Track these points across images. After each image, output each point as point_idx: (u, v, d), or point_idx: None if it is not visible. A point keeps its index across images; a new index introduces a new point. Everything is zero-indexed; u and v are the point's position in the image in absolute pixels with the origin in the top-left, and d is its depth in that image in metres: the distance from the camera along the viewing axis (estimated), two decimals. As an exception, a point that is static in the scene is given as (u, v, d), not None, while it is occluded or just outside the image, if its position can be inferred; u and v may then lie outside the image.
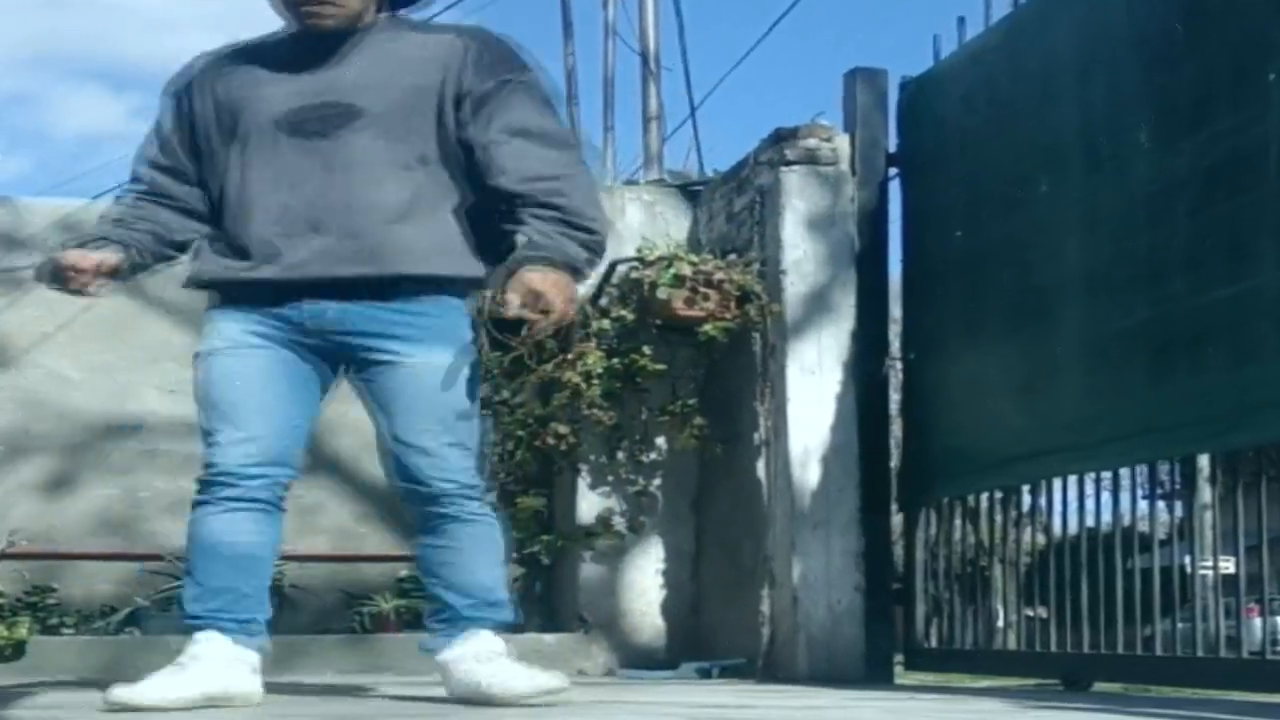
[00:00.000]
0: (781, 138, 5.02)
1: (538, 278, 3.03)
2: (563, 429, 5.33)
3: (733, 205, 5.31)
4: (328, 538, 6.09)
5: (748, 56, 18.47)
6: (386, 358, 3.21)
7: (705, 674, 5.00)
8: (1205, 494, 4.15)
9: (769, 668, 4.89)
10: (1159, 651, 4.01)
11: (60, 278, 3.19)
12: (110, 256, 3.22)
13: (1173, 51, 3.92)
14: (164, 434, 6.01)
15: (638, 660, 5.29)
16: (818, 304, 4.92)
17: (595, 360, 5.27)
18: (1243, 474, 3.81)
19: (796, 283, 4.92)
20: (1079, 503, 4.33)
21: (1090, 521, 4.36)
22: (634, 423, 5.38)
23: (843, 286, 4.94)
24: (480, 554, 3.29)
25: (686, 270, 5.08)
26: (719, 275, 5.04)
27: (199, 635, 3.14)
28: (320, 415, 3.36)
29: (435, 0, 3.43)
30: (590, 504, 5.41)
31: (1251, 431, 3.67)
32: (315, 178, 3.16)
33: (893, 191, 5.03)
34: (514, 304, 3.01)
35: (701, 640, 5.34)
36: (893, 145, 5.04)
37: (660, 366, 5.28)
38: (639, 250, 5.27)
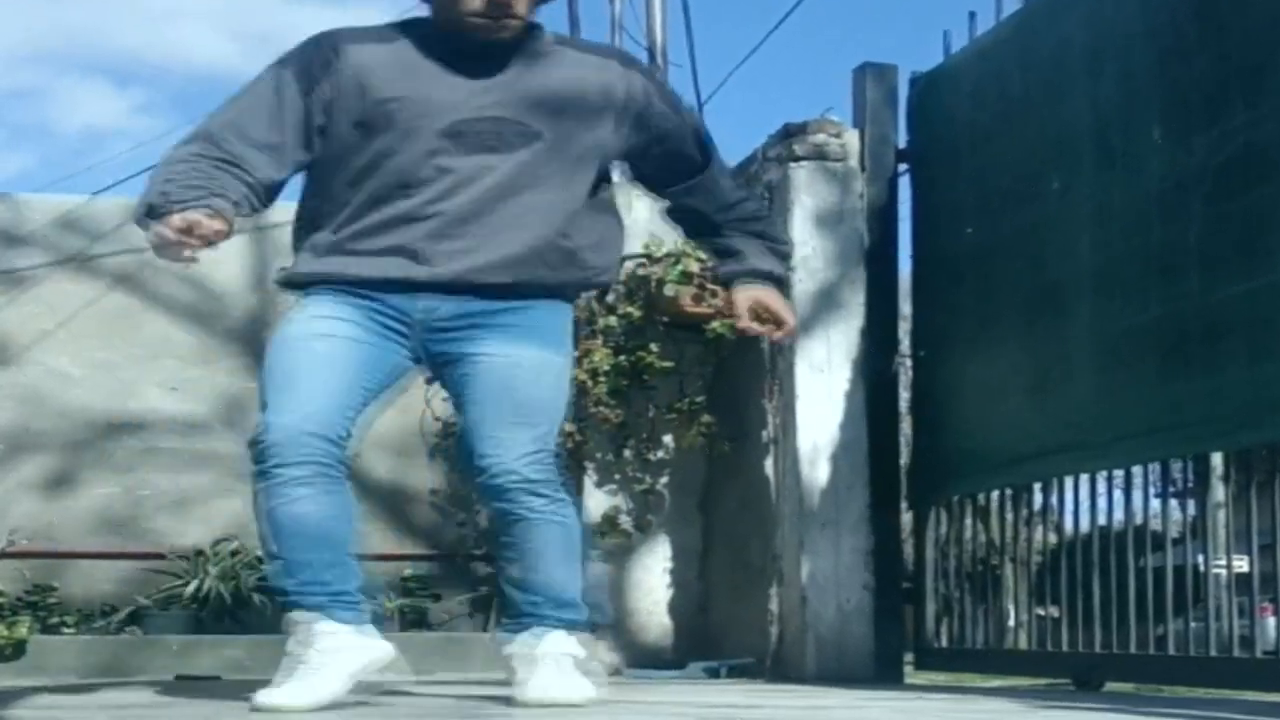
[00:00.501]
0: (790, 133, 5.03)
1: (765, 294, 3.48)
2: (569, 427, 5.33)
3: (741, 201, 5.31)
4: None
5: (755, 52, 18.36)
6: (473, 351, 3.22)
7: (713, 673, 5.01)
8: (1218, 492, 4.16)
9: (777, 667, 4.90)
10: (1172, 651, 4.01)
11: (170, 247, 3.03)
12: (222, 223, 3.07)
13: (1186, 45, 3.92)
14: (165, 431, 6.04)
15: (645, 660, 5.30)
16: (827, 301, 4.93)
17: (602, 357, 5.28)
18: (1256, 472, 3.82)
19: (805, 279, 4.93)
20: (1090, 501, 4.32)
21: (1102, 520, 4.37)
22: (641, 420, 5.39)
23: (852, 283, 4.95)
24: (547, 552, 3.26)
25: (694, 267, 5.09)
26: (727, 272, 5.05)
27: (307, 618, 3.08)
28: (383, 397, 3.30)
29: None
30: (596, 502, 5.40)
31: (1265, 429, 3.67)
32: (482, 190, 3.17)
33: (902, 187, 5.05)
34: (746, 319, 3.48)
35: (709, 639, 5.35)
36: (902, 141, 5.05)
37: (667, 364, 5.29)
38: (646, 247, 5.26)
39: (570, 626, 3.28)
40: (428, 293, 3.19)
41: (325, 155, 3.22)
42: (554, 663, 3.22)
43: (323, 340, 3.16)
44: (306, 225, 3.28)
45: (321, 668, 3.04)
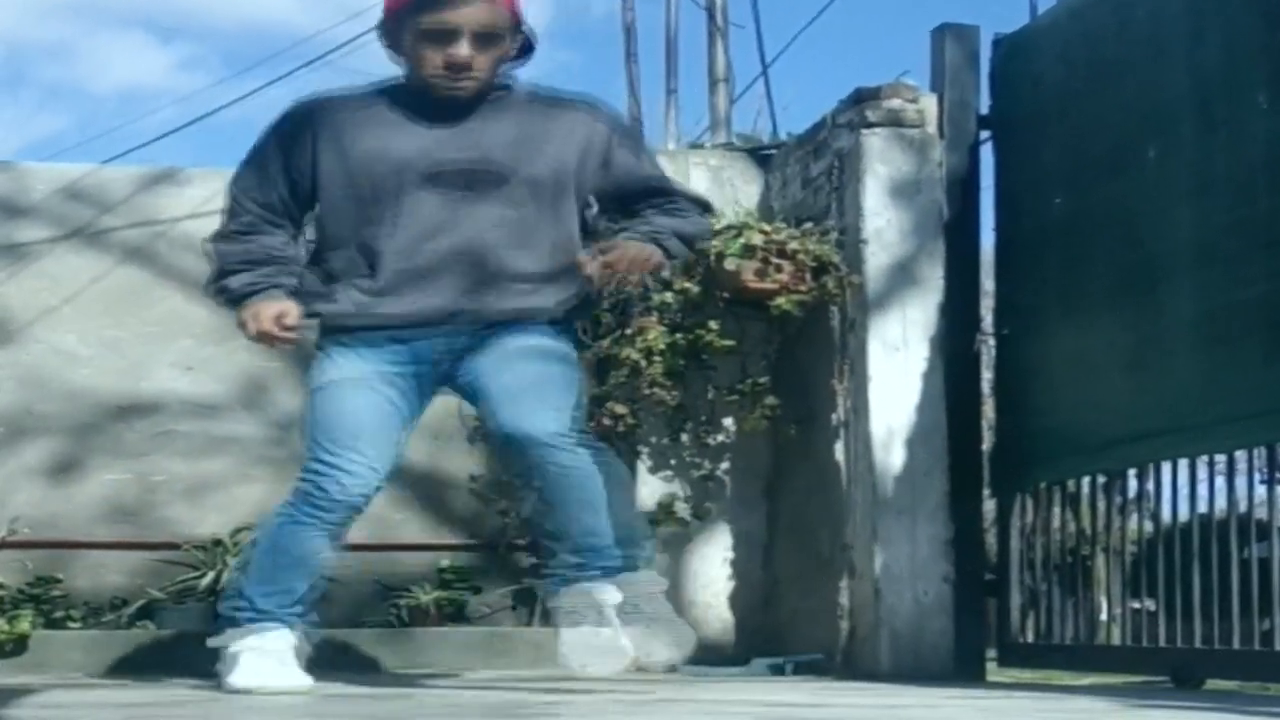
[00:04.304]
0: (862, 98, 5.05)
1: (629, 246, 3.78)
2: (621, 409, 5.34)
3: (809, 170, 5.34)
4: (361, 525, 6.07)
5: (825, 11, 18.15)
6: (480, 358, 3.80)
7: (778, 670, 5.03)
8: (1330, 478, 4.19)
9: (848, 664, 4.93)
10: (1278, 647, 4.05)
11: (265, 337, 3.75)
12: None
13: (1295, 5, 3.98)
14: (180, 414, 5.99)
15: (704, 656, 5.29)
16: (902, 276, 4.96)
17: (656, 336, 5.29)
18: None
19: (878, 253, 4.97)
20: (1190, 488, 4.35)
21: (1202, 508, 4.42)
22: (699, 402, 5.41)
23: (929, 257, 4.98)
24: (570, 501, 3.78)
25: (757, 240, 5.12)
26: (793, 245, 5.08)
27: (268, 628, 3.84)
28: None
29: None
30: (651, 489, 5.43)
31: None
32: (465, 231, 3.71)
33: (984, 156, 5.07)
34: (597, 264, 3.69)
35: (774, 634, 5.38)
36: (984, 106, 5.08)
37: (728, 342, 5.31)
38: (704, 218, 5.31)
39: (608, 573, 3.70)
40: (447, 330, 3.74)
41: (324, 211, 3.79)
42: (593, 626, 3.67)
43: (371, 391, 3.74)
44: (324, 277, 3.80)
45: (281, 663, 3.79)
